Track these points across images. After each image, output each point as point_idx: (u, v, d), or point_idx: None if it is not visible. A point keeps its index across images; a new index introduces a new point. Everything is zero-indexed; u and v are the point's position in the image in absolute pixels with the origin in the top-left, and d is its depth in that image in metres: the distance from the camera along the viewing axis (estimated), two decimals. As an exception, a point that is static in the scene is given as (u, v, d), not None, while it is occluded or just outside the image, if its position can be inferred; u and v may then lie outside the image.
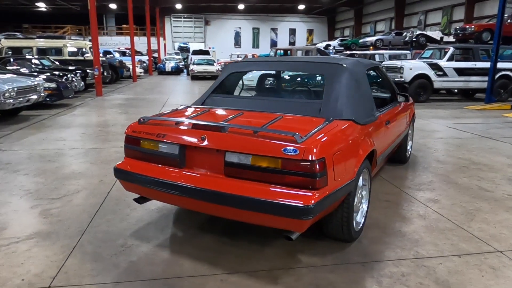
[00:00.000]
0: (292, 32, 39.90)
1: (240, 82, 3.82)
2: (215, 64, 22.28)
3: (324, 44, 29.90)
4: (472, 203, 3.61)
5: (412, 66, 11.37)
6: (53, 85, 9.46)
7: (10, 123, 7.34)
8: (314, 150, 2.14)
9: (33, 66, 11.89)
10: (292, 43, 38.24)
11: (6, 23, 34.02)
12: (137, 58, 23.33)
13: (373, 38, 23.38)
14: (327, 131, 2.41)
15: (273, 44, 38.00)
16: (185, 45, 36.16)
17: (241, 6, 34.17)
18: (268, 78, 4.12)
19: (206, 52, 26.31)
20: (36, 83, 8.07)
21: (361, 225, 2.88)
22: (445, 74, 11.28)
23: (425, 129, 7.30)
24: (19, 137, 6.21)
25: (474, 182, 4.22)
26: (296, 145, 2.15)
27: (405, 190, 3.95)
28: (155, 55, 32.60)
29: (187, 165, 2.52)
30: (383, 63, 13.05)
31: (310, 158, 2.12)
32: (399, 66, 11.55)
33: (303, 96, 3.75)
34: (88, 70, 13.14)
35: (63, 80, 10.26)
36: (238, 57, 27.57)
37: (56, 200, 3.59)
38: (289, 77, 5.30)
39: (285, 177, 2.18)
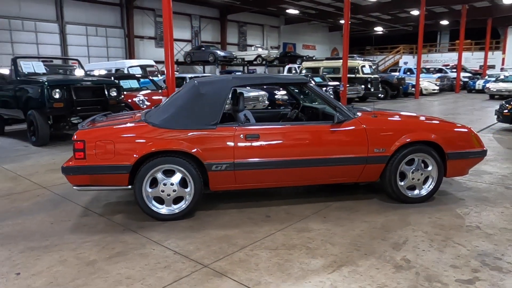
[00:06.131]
0: None
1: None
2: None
3: None
4: (324, 240, 3.05)
5: None
6: (285, 97, 12.14)
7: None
8: (77, 135, 3.41)
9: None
10: None
11: (354, 47, 40.70)
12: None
13: None
14: (110, 126, 3.49)
15: None
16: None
17: None
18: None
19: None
20: (257, 94, 10.96)
21: (164, 211, 3.53)
22: None
23: None
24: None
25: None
26: (78, 131, 3.49)
27: (308, 217, 3.64)
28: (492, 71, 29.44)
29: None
30: None
31: (74, 139, 3.40)
32: None
33: None
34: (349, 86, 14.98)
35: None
36: None
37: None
38: None
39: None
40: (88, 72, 13.89)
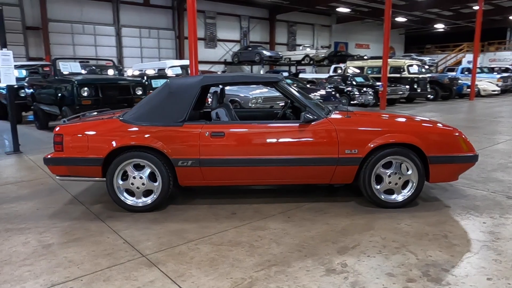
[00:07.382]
0: None
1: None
2: None
3: None
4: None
5: None
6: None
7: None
8: (58, 128, 3.70)
9: (341, 82, 14.79)
10: None
11: (412, 45, 38.85)
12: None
13: None
14: (87, 122, 3.74)
15: None
16: None
17: None
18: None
19: None
20: (285, 94, 10.91)
21: (130, 203, 3.73)
22: None
23: None
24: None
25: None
26: (58, 125, 3.79)
27: (273, 216, 3.63)
28: None
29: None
30: None
31: (54, 132, 3.71)
32: None
33: None
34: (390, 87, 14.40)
35: (334, 94, 12.49)
36: None
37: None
38: None
39: (58, 142, 3.87)
40: (141, 71, 14.84)
